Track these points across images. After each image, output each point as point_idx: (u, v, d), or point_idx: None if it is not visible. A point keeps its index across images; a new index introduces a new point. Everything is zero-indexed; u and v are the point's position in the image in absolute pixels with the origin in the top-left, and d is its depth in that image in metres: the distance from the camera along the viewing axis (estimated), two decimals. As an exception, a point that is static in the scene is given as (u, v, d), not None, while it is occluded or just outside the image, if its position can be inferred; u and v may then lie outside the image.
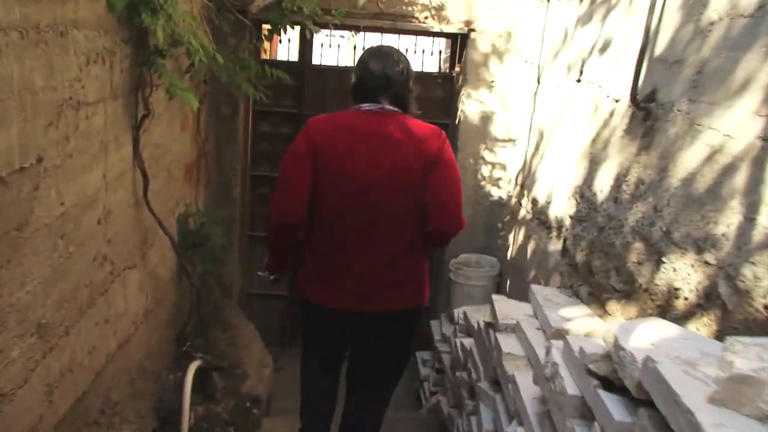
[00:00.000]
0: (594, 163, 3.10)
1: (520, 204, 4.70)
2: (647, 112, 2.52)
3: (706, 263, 1.95)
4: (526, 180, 4.55)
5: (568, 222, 3.43)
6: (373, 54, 2.68)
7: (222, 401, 4.03)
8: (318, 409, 3.14)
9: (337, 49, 5.45)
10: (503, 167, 5.17)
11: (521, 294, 4.12)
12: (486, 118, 5.09)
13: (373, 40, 5.32)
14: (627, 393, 1.55)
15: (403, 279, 2.71)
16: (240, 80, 4.48)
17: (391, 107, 2.59)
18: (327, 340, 2.98)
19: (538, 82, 4.51)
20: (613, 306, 2.66)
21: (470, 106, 5.08)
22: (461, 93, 5.12)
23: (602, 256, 2.85)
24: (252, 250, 5.70)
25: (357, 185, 2.52)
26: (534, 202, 4.25)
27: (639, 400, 1.48)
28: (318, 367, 3.06)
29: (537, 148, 4.34)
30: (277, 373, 5.14)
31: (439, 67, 5.87)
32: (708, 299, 1.94)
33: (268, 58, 5.61)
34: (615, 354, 1.60)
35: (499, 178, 5.20)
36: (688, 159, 2.16)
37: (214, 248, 4.60)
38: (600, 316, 2.77)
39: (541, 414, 2.14)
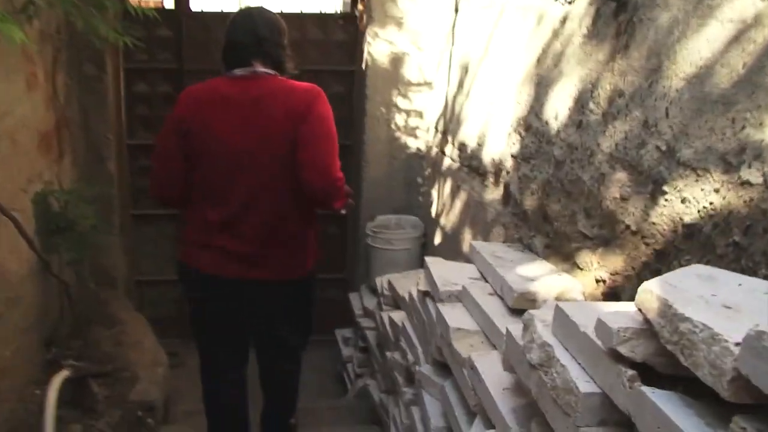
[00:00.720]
0: (542, 86, 2.51)
1: (443, 153, 4.10)
2: (620, 4, 1.93)
3: (744, 183, 1.38)
4: (450, 125, 3.96)
5: (509, 163, 2.85)
6: (240, 15, 2.57)
7: (105, 413, 3.31)
8: (227, 410, 2.99)
9: (220, -10, 4.72)
10: (419, 115, 4.56)
11: (453, 255, 3.55)
12: (397, 61, 4.46)
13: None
14: (690, 386, 0.97)
15: (283, 246, 2.58)
16: (97, 23, 3.69)
17: (264, 69, 2.48)
18: (214, 317, 2.79)
19: (456, 11, 3.90)
20: (585, 257, 2.09)
21: (378, 47, 4.43)
22: (367, 33, 4.47)
23: (563, 198, 2.27)
24: (137, 230, 4.91)
25: (227, 153, 2.43)
26: (462, 148, 3.67)
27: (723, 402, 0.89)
28: (217, 369, 2.93)
29: (461, 86, 3.75)
30: (176, 369, 4.43)
31: (342, 6, 5.17)
32: (749, 233, 1.36)
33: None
34: (667, 327, 1.00)
35: (416, 128, 4.59)
36: (698, 48, 1.58)
37: (84, 232, 3.83)
38: (567, 272, 2.19)
39: (521, 412, 1.54)
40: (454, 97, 3.89)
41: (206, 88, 2.49)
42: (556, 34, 2.38)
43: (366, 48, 4.48)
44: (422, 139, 4.59)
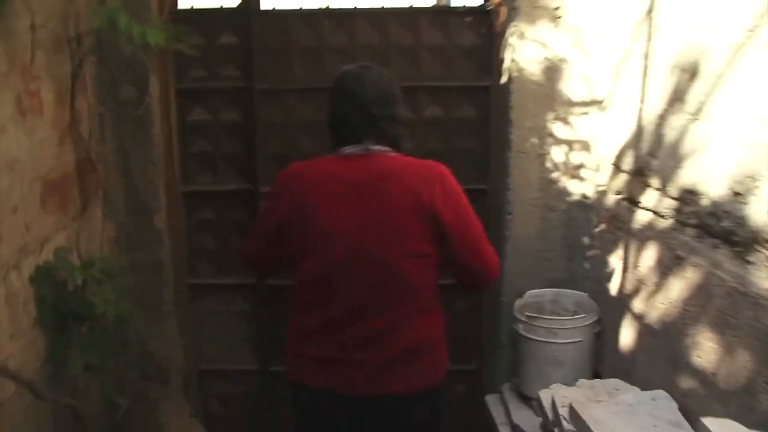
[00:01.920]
0: None
1: (634, 203, 2.74)
2: None
3: None
4: (652, 161, 2.58)
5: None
6: (349, 80, 2.24)
7: None
8: None
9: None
10: (585, 147, 3.19)
11: (664, 366, 2.22)
12: (553, 71, 3.13)
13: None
14: None
15: (413, 349, 2.22)
16: (128, 21, 2.55)
17: (377, 147, 2.20)
18: None
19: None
20: None
21: (525, 53, 3.12)
22: (507, 34, 3.15)
23: None
24: (194, 305, 3.67)
25: (347, 247, 2.13)
26: (686, 197, 2.30)
27: None
28: None
29: (679, 99, 2.38)
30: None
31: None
32: None
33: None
34: None
35: (581, 166, 3.21)
36: None
37: (117, 323, 2.64)
38: None
39: None
40: (661, 118, 2.51)
41: (316, 166, 2.26)
42: None
43: (508, 54, 3.15)
44: (589, 181, 3.21)
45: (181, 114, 3.42)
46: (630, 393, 2.51)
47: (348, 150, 2.21)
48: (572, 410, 2.38)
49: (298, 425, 2.43)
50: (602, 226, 3.13)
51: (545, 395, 2.72)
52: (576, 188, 3.23)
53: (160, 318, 3.43)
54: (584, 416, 2.30)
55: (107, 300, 2.51)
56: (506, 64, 3.17)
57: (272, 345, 3.63)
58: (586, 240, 3.27)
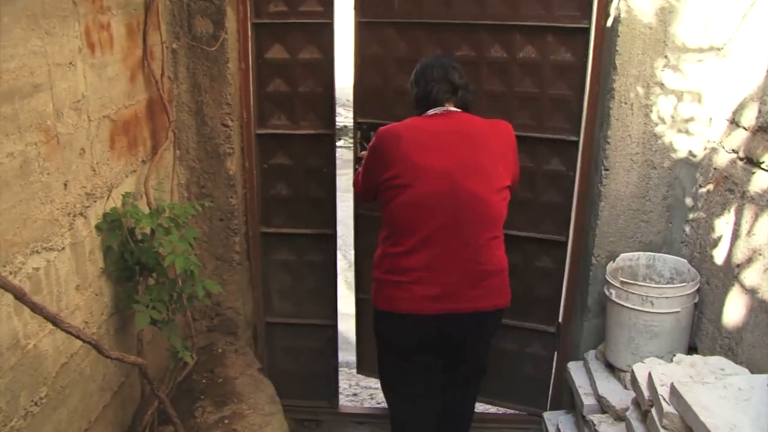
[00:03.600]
0: None
1: (755, 163, 2.43)
2: None
3: None
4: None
5: None
6: (432, 62, 2.73)
7: None
8: None
9: None
10: (697, 98, 2.88)
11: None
12: (666, 12, 2.79)
13: None
14: None
15: (492, 272, 2.61)
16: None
17: (455, 108, 2.68)
18: (416, 353, 2.73)
19: None
20: None
21: (633, -10, 2.80)
22: (616, -31, 2.84)
23: None
24: (268, 255, 3.53)
25: (438, 180, 2.52)
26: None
27: None
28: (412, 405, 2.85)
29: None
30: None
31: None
32: None
33: None
34: None
35: (690, 119, 2.90)
36: None
37: (177, 274, 2.51)
38: None
39: None
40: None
41: (407, 123, 2.65)
42: None
43: (614, -7, 2.85)
44: (699, 137, 2.91)
45: (258, 51, 3.23)
46: (739, 376, 2.27)
47: (432, 111, 2.68)
48: (674, 390, 2.16)
49: (387, 350, 2.80)
50: (709, 187, 2.83)
51: (640, 370, 2.50)
52: (682, 144, 2.93)
53: (230, 268, 3.31)
54: (688, 399, 2.09)
55: (175, 252, 2.36)
56: (614, 4, 2.86)
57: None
58: (689, 201, 2.99)
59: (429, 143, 2.55)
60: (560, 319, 3.42)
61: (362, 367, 3.84)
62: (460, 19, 3.12)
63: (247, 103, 3.20)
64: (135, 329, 2.46)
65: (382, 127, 2.65)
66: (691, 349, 2.86)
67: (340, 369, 3.89)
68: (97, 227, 2.27)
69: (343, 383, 4.39)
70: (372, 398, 4.22)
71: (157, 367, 2.78)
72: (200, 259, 3.24)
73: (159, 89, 2.76)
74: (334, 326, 3.62)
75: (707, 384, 2.11)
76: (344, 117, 13.09)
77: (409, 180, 2.52)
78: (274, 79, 3.27)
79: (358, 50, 3.23)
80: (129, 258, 2.39)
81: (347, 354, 4.67)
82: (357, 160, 3.14)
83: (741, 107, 2.59)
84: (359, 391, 4.42)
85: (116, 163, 2.44)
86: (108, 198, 2.35)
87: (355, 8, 3.18)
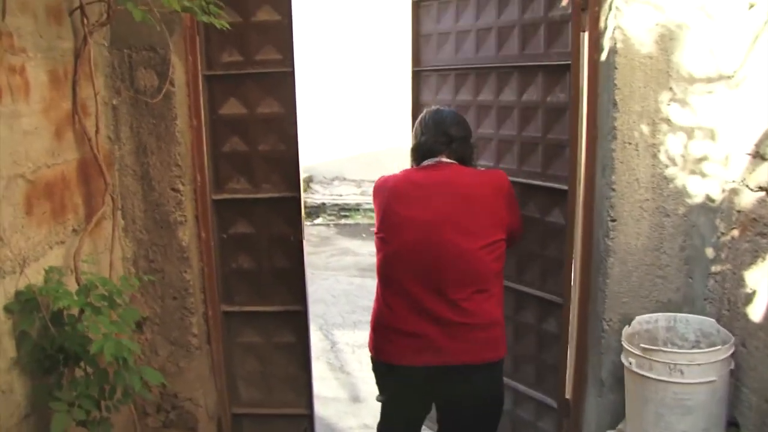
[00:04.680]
0: None
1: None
2: None
3: None
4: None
5: None
6: (432, 115, 2.72)
7: None
8: None
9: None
10: (710, 134, 2.54)
11: None
12: (668, 40, 2.49)
13: None
14: None
15: (477, 326, 2.51)
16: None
17: (448, 160, 2.63)
18: (401, 404, 2.73)
19: None
20: None
21: (632, 17, 2.48)
22: (606, -3, 2.54)
23: None
24: (231, 338, 3.09)
25: (419, 232, 2.51)
26: None
27: None
28: None
29: None
30: None
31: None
32: None
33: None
34: None
35: (704, 158, 2.55)
36: None
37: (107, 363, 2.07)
38: None
39: None
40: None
41: (400, 175, 2.69)
42: None
43: (608, 22, 2.54)
44: (715, 177, 2.55)
45: (212, 106, 2.87)
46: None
47: (425, 163, 2.66)
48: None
49: (383, 394, 2.73)
50: (734, 233, 2.46)
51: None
52: (697, 187, 2.57)
53: (187, 353, 2.87)
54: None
55: (107, 335, 1.93)
56: (609, 33, 2.54)
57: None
58: (710, 252, 2.61)
59: (414, 195, 2.57)
60: (568, 395, 2.98)
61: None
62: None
63: (200, 164, 2.83)
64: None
65: (380, 179, 2.74)
66: (731, 425, 2.43)
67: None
68: (6, 308, 1.85)
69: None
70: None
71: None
72: (152, 344, 2.82)
73: (93, 149, 2.38)
74: (310, 415, 3.17)
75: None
76: (321, 194, 12.86)
77: (393, 232, 2.56)
78: (230, 138, 2.91)
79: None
80: (48, 345, 1.95)
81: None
82: None
83: (767, 137, 2.25)
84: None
85: (35, 231, 2.03)
86: (21, 273, 1.93)
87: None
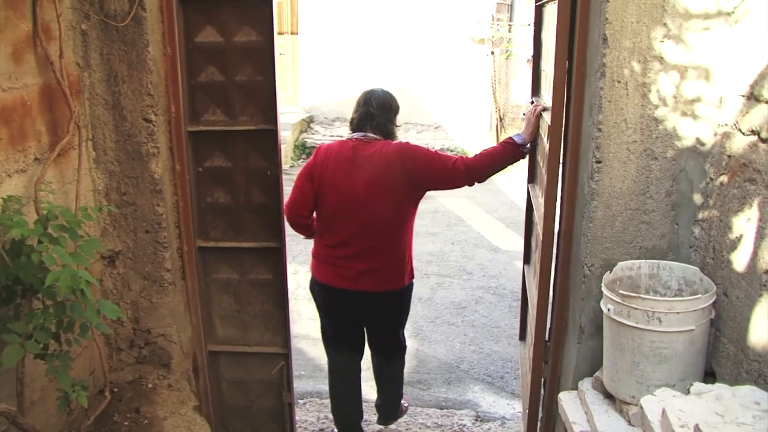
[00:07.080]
0: None
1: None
2: None
3: None
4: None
5: None
6: (364, 95, 3.32)
7: None
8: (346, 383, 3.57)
9: None
10: (705, 74, 2.42)
11: None
12: (663, -28, 2.35)
13: None
14: None
15: (382, 267, 3.28)
16: None
17: (372, 135, 3.22)
18: (332, 313, 3.44)
19: None
20: None
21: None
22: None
23: None
24: (207, 274, 3.03)
25: (342, 195, 3.14)
26: None
27: None
28: (336, 342, 3.54)
29: None
30: None
31: None
32: None
33: None
34: None
35: (696, 99, 2.44)
36: None
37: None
38: None
39: None
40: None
41: (333, 145, 3.27)
42: None
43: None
44: (707, 120, 2.44)
45: (187, 34, 2.75)
46: (782, 411, 1.78)
47: (354, 135, 3.24)
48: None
49: (318, 306, 3.45)
50: (723, 179, 2.37)
51: (651, 405, 2.02)
52: (688, 129, 2.46)
53: (160, 289, 2.82)
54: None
55: (65, 266, 1.87)
56: (600, -37, 2.41)
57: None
58: (697, 198, 2.51)
59: (341, 164, 3.14)
60: (548, 341, 2.93)
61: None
62: None
63: (175, 94, 2.73)
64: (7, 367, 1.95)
65: (319, 146, 3.31)
66: (708, 375, 2.37)
67: (309, 400, 3.84)
68: (-43, 239, 1.78)
69: (310, 416, 3.95)
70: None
71: (42, 423, 2.26)
72: (124, 279, 2.75)
73: (56, 74, 2.28)
74: (287, 354, 3.13)
75: (744, 426, 1.63)
76: (322, 135, 12.73)
77: (326, 193, 3.16)
78: (206, 67, 2.81)
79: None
80: (3, 276, 1.89)
81: (318, 382, 4.30)
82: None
83: (763, 78, 2.13)
84: (327, 426, 3.92)
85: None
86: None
87: None
